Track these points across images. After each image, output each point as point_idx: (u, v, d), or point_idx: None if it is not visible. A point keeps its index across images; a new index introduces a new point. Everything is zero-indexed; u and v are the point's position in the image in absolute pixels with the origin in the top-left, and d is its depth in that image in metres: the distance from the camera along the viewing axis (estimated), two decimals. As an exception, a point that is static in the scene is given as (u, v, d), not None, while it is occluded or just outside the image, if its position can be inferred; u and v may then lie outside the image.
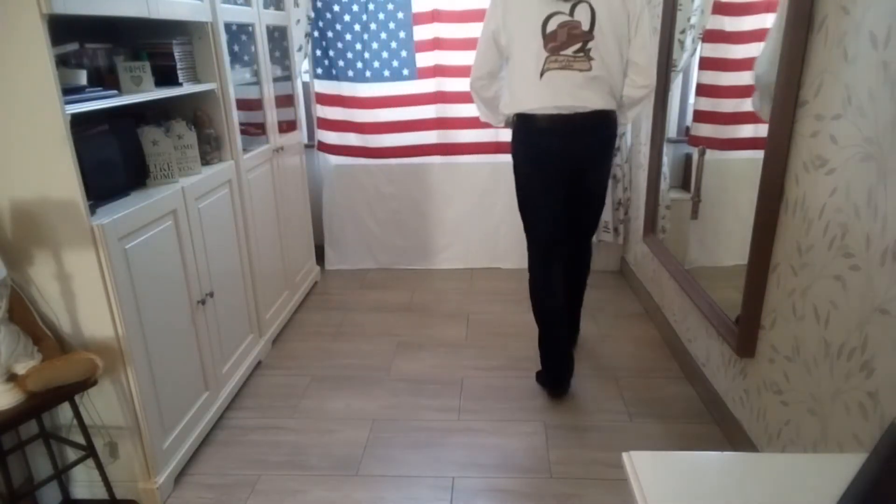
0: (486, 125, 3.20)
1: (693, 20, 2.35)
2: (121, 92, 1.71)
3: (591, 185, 2.21)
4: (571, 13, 1.99)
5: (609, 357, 2.53)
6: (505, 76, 2.19)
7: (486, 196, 3.40)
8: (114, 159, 1.72)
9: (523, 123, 2.13)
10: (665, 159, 2.64)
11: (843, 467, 0.77)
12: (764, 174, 1.64)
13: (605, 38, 2.00)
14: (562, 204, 2.19)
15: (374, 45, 3.16)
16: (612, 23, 1.99)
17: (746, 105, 1.95)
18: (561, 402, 2.23)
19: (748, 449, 1.81)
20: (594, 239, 3.25)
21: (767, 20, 1.81)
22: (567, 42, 2.00)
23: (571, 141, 2.09)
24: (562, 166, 2.12)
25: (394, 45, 3.16)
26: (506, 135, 2.56)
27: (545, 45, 2.01)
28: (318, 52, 3.21)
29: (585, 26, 1.99)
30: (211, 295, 2.07)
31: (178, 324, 1.88)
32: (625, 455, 0.85)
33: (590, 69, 2.01)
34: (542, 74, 2.04)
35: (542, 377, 2.32)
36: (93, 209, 1.54)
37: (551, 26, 2.00)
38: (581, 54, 2.00)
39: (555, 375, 2.26)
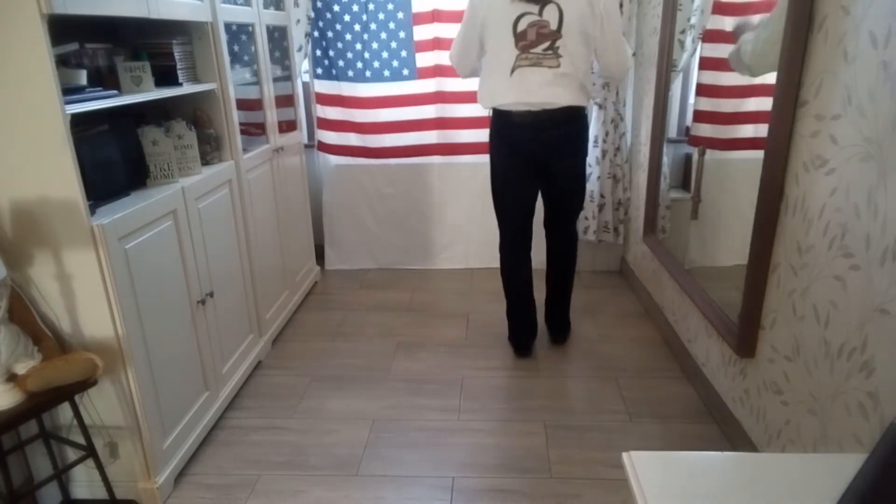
0: (486, 125, 3.23)
1: (693, 20, 2.35)
2: (121, 92, 1.71)
3: (561, 173, 2.33)
4: (540, 13, 2.10)
5: (609, 357, 2.53)
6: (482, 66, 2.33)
7: (486, 196, 3.36)
8: (114, 159, 1.72)
9: (499, 118, 2.30)
10: (665, 159, 2.64)
11: (843, 467, 0.76)
12: (764, 174, 1.64)
13: (573, 36, 2.11)
14: (530, 196, 2.40)
15: (374, 45, 3.16)
16: (580, 22, 2.10)
17: (746, 105, 1.95)
18: (561, 401, 2.23)
19: (748, 449, 1.81)
20: (594, 238, 3.27)
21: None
22: (536, 41, 2.12)
23: (540, 135, 2.23)
24: (531, 157, 2.28)
25: (394, 45, 3.16)
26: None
27: (516, 44, 2.14)
28: (318, 52, 3.21)
29: (554, 26, 2.10)
30: (211, 295, 2.07)
31: (177, 324, 1.88)
32: (625, 455, 0.85)
33: (558, 66, 2.13)
34: (512, 71, 2.16)
35: (510, 339, 2.62)
36: (93, 209, 1.54)
37: (521, 26, 2.12)
38: (550, 52, 2.13)
39: (520, 339, 2.57)
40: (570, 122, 2.25)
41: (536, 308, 2.58)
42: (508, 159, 2.33)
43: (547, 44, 2.12)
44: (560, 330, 2.64)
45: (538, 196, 2.43)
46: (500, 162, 2.36)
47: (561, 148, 2.28)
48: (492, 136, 2.37)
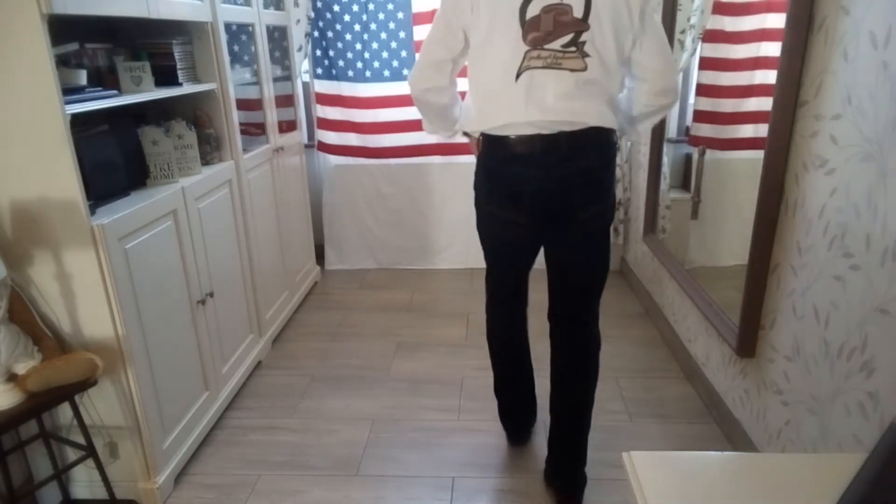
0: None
1: (693, 20, 2.35)
2: (121, 92, 1.71)
3: (579, 229, 1.61)
4: None
5: (609, 357, 2.53)
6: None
7: (486, 196, 3.39)
8: (114, 159, 1.72)
9: (491, 147, 1.60)
10: (665, 159, 2.64)
11: (843, 467, 0.76)
12: (764, 174, 1.64)
13: (603, 29, 1.44)
14: (532, 256, 1.75)
15: (374, 45, 3.16)
16: (612, 11, 1.44)
17: (746, 105, 1.95)
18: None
19: (748, 449, 1.81)
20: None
21: (767, 20, 1.82)
22: (554, 32, 1.44)
23: (552, 171, 1.51)
24: (539, 205, 1.56)
25: (394, 45, 3.16)
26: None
27: (524, 37, 1.45)
28: (318, 52, 3.21)
29: (578, 13, 1.43)
30: (211, 295, 2.07)
31: (177, 324, 1.88)
32: (625, 455, 0.85)
33: (584, 69, 1.45)
34: (518, 75, 1.48)
35: (502, 419, 2.01)
36: (93, 209, 1.54)
37: (533, 10, 1.44)
38: (573, 49, 1.44)
39: (515, 422, 1.98)
40: (594, 152, 1.53)
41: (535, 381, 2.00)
42: (506, 211, 1.62)
43: (569, 37, 1.44)
44: (572, 488, 1.75)
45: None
46: (492, 214, 1.68)
47: (581, 189, 1.54)
48: (479, 175, 1.71)
